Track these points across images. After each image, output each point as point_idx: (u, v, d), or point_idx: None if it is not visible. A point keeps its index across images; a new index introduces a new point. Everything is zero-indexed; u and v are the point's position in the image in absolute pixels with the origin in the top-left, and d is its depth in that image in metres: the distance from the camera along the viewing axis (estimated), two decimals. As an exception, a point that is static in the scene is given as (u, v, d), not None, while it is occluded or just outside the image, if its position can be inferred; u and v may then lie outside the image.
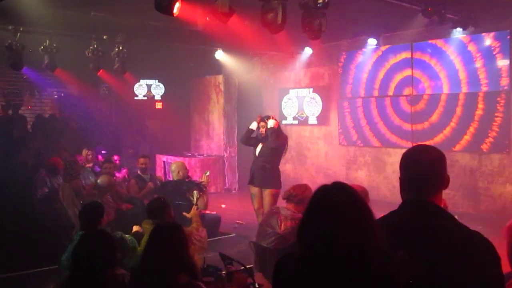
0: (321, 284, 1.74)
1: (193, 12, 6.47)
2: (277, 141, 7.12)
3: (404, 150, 2.37)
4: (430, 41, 9.63)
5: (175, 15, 5.13)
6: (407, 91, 10.04)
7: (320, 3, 5.85)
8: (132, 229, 5.16)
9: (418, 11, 7.62)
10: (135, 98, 14.20)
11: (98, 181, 7.18)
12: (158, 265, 3.09)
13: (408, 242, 2.02)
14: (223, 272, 4.04)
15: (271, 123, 7.22)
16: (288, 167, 12.60)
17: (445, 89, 9.44)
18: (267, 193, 7.08)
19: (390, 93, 10.37)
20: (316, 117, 11.85)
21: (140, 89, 14.27)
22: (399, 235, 2.06)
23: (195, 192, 6.95)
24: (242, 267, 4.20)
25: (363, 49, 10.80)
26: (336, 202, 1.82)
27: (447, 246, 2.03)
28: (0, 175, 8.69)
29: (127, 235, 4.81)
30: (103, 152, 10.70)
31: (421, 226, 2.12)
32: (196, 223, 5.45)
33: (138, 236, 4.94)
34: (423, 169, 2.22)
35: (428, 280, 1.92)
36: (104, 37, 9.03)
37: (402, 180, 2.30)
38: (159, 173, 11.88)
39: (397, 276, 1.74)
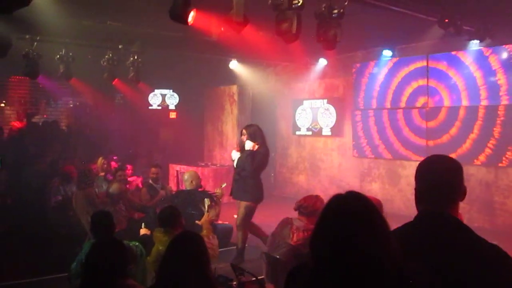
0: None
1: (207, 22, 6.48)
2: (252, 165, 6.78)
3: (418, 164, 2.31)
4: (446, 53, 9.53)
5: (189, 24, 5.13)
6: (422, 103, 9.94)
7: (335, 13, 5.83)
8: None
9: (434, 22, 7.55)
10: (150, 107, 14.29)
11: (110, 189, 7.19)
12: (180, 275, 2.96)
13: (423, 253, 1.97)
14: (234, 283, 4.00)
15: (248, 145, 6.84)
16: (301, 178, 12.57)
17: (464, 102, 9.31)
18: (241, 204, 6.88)
19: (405, 105, 10.27)
20: (330, 128, 11.80)
21: (155, 99, 14.36)
22: (414, 246, 2.01)
23: (206, 200, 6.94)
24: (254, 278, 4.16)
25: (378, 61, 10.74)
26: (350, 212, 1.78)
27: (464, 258, 1.98)
28: (17, 182, 8.76)
29: (133, 242, 4.78)
30: (115, 158, 10.73)
31: (437, 237, 2.07)
32: (207, 230, 5.42)
33: (145, 239, 4.91)
34: (440, 180, 2.17)
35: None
36: (120, 46, 9.11)
37: (417, 191, 2.25)
38: (172, 182, 11.87)
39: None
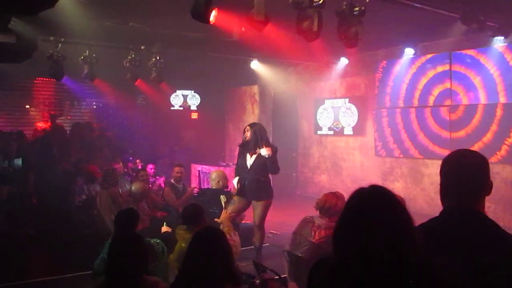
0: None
1: (228, 22, 6.50)
2: (276, 168, 6.85)
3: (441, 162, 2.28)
4: (468, 51, 9.41)
5: (211, 23, 5.16)
6: (445, 101, 9.82)
7: (357, 10, 5.80)
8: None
9: (457, 19, 7.45)
10: (171, 108, 14.39)
11: (132, 188, 7.26)
12: (204, 271, 2.92)
13: (449, 248, 1.96)
14: (257, 280, 4.00)
15: (263, 152, 6.71)
16: (323, 178, 12.52)
17: (483, 100, 9.20)
18: (259, 204, 6.83)
19: (429, 103, 10.16)
20: (352, 127, 11.73)
21: (176, 100, 14.46)
22: (440, 241, 2.00)
23: (222, 196, 6.96)
24: (276, 276, 4.16)
25: (400, 59, 10.64)
26: (373, 205, 1.78)
27: (491, 253, 1.96)
28: (42, 182, 8.89)
29: (154, 239, 4.82)
30: (130, 158, 10.84)
31: (463, 233, 2.05)
32: (228, 228, 5.42)
33: (167, 237, 4.94)
34: (465, 174, 2.15)
35: (470, 286, 1.85)
36: (142, 47, 9.19)
37: (442, 186, 2.23)
38: (194, 182, 11.95)
39: (436, 282, 1.67)
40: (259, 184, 6.80)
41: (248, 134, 6.91)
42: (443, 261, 1.76)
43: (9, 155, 9.56)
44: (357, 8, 5.82)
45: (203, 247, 3.04)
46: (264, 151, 6.65)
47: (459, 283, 1.76)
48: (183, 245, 4.54)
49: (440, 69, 9.88)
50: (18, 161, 8.41)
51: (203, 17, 5.09)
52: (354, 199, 1.86)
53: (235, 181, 7.06)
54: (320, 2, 5.33)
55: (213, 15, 5.16)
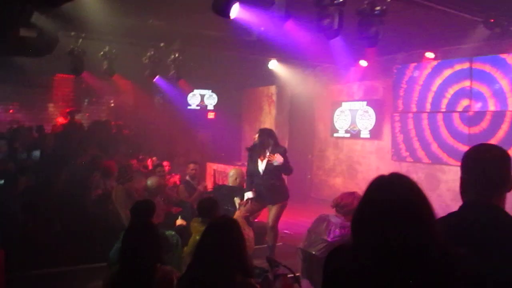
0: (374, 275, 1.67)
1: (248, 18, 6.48)
2: (289, 169, 6.89)
3: (458, 168, 2.25)
4: (492, 55, 9.27)
5: (231, 18, 5.17)
6: (465, 106, 9.70)
7: (378, 10, 5.77)
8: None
9: (479, 23, 7.37)
10: (188, 107, 14.44)
11: (148, 182, 7.30)
12: (217, 260, 2.93)
13: (468, 241, 1.93)
14: (270, 275, 4.00)
15: (275, 162, 6.69)
16: (338, 181, 12.46)
17: (510, 106, 9.04)
18: (275, 206, 6.88)
19: (447, 108, 10.04)
20: (369, 131, 11.66)
21: (194, 99, 14.52)
22: (459, 235, 1.97)
23: (236, 198, 6.99)
24: (290, 273, 4.15)
25: (420, 63, 10.56)
26: (393, 193, 1.77)
27: (508, 247, 1.93)
28: (59, 177, 8.99)
29: (169, 231, 4.83)
30: (140, 157, 10.91)
31: (483, 228, 2.03)
32: (242, 224, 5.41)
33: (181, 230, 4.95)
34: (487, 169, 2.13)
35: (491, 279, 1.83)
36: (161, 44, 9.24)
37: (463, 180, 2.21)
38: (209, 181, 11.97)
39: (456, 271, 1.65)
40: (274, 189, 6.83)
41: (256, 138, 7.04)
42: (464, 252, 1.74)
43: (29, 147, 9.68)
44: (378, 8, 5.80)
45: (217, 236, 3.04)
46: (276, 161, 6.66)
47: (478, 274, 1.73)
48: (197, 237, 4.53)
49: (460, 73, 9.75)
50: (37, 153, 8.51)
51: (224, 12, 5.11)
52: (375, 186, 1.84)
53: (248, 194, 7.03)
54: (341, 0, 5.31)
55: (234, 10, 5.17)
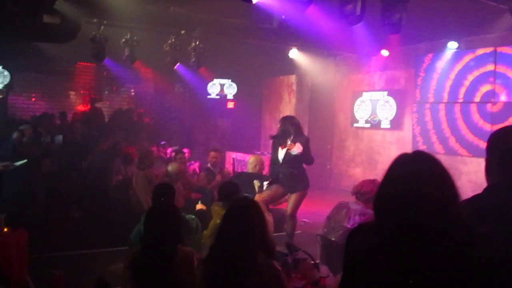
0: (396, 253, 1.66)
1: (270, 4, 6.45)
2: (309, 159, 6.83)
3: (482, 160, 2.23)
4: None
5: (253, 3, 5.15)
6: (488, 97, 9.54)
7: (401, -5, 5.70)
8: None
9: (505, 11, 7.23)
10: (208, 96, 14.47)
11: (168, 168, 7.35)
12: (239, 240, 2.94)
13: (492, 221, 1.90)
14: (289, 259, 4.00)
15: (294, 152, 6.64)
16: (357, 171, 12.40)
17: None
18: (294, 194, 6.82)
19: (471, 99, 9.88)
20: (390, 121, 11.56)
21: (213, 88, 14.54)
22: (483, 215, 1.94)
23: (255, 181, 6.97)
24: (309, 258, 4.15)
25: (443, 53, 10.39)
26: (416, 170, 1.75)
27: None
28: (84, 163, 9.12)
29: (189, 215, 4.86)
30: (162, 143, 10.96)
31: (506, 208, 2.00)
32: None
33: (201, 215, 4.97)
34: (509, 150, 2.09)
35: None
36: (182, 32, 9.25)
37: (489, 162, 2.18)
38: (228, 169, 12.00)
39: (479, 249, 1.63)
40: (293, 177, 6.77)
41: (279, 127, 6.97)
42: (487, 231, 1.71)
43: (52, 131, 9.81)
44: (401, -7, 5.72)
45: (239, 216, 3.05)
46: (295, 151, 6.62)
47: (501, 254, 1.71)
48: (218, 221, 4.56)
49: (484, 64, 9.57)
50: (59, 137, 8.63)
51: (246, -4, 5.09)
52: (398, 164, 1.82)
53: (264, 184, 7.06)
54: (364, -15, 5.26)
55: (256, -5, 5.15)
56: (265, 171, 8.26)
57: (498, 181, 2.12)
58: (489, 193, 2.13)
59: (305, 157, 6.72)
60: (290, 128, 6.80)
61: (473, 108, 9.78)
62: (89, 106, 12.92)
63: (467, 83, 9.90)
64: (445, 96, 10.34)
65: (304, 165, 6.98)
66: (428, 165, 1.77)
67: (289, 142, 6.67)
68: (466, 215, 1.72)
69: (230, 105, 14.79)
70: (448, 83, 10.33)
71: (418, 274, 1.59)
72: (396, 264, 1.63)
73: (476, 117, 9.73)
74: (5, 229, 5.05)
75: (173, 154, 9.72)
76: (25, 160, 5.51)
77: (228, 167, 12.35)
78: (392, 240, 1.68)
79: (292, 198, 6.82)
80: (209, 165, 8.70)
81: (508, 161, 2.10)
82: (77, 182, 8.35)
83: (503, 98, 9.23)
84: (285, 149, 6.76)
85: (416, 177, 1.72)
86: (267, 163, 11.87)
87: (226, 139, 14.03)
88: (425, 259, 1.59)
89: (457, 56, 10.12)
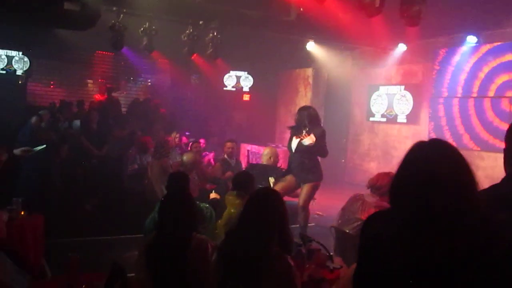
0: (413, 239, 1.66)
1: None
2: (326, 152, 6.77)
3: (500, 155, 2.21)
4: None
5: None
6: (509, 92, 9.43)
7: (421, -12, 5.64)
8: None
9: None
10: (224, 88, 14.49)
11: (184, 157, 7.38)
12: (258, 229, 2.91)
13: (508, 210, 1.89)
14: (303, 249, 4.01)
15: (306, 142, 6.58)
16: (372, 165, 12.34)
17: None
18: (306, 185, 6.75)
19: (490, 94, 9.77)
20: (406, 115, 11.49)
21: (230, 80, 14.55)
22: (501, 203, 1.93)
23: (270, 178, 6.99)
24: (323, 249, 4.15)
25: (461, 47, 10.29)
26: (433, 157, 1.74)
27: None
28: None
29: (203, 204, 4.88)
30: (187, 133, 10.99)
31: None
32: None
33: (215, 204, 4.99)
34: None
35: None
36: (200, 22, 9.26)
37: (507, 152, 2.17)
38: (243, 161, 12.02)
39: (496, 236, 1.62)
40: (303, 167, 6.72)
41: (296, 117, 6.92)
42: (505, 217, 1.71)
43: (70, 117, 9.90)
44: (421, -14, 5.66)
45: (260, 203, 3.04)
46: (307, 141, 6.55)
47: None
48: (232, 210, 4.59)
49: (503, 58, 9.46)
50: (77, 123, 8.71)
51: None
52: (415, 151, 1.82)
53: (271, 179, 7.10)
54: (384, -23, 5.22)
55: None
56: (280, 164, 8.26)
57: None
58: (506, 182, 2.12)
59: (319, 149, 6.67)
60: (305, 118, 6.77)
61: (487, 104, 9.68)
62: (105, 95, 13.01)
63: (482, 75, 9.79)
64: (459, 90, 10.23)
65: (319, 158, 6.96)
66: (444, 150, 1.78)
67: (304, 133, 6.63)
68: (485, 202, 1.71)
69: (246, 97, 14.81)
70: (463, 77, 10.22)
71: (436, 260, 1.59)
72: (412, 251, 1.63)
73: (490, 114, 9.63)
74: (22, 213, 5.12)
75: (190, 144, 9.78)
76: (44, 146, 5.57)
77: (243, 159, 12.38)
78: (408, 226, 1.68)
79: (304, 189, 6.79)
80: (225, 155, 8.72)
81: None
82: (94, 170, 8.43)
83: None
84: (298, 140, 6.73)
85: (432, 161, 1.72)
86: (282, 155, 11.89)
87: (241, 131, 14.03)
88: (443, 244, 1.59)
89: (474, 50, 10.00)
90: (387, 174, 4.89)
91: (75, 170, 7.52)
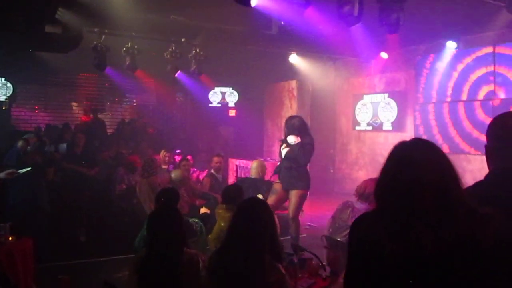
0: (400, 236, 1.67)
1: (269, 7, 6.48)
2: (304, 157, 6.75)
3: (484, 157, 2.25)
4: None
5: (252, 6, 5.19)
6: (488, 95, 9.55)
7: (398, -4, 5.74)
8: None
9: (502, 7, 7.24)
10: (210, 105, 14.51)
11: (172, 175, 7.37)
12: (249, 240, 2.92)
13: (497, 203, 1.91)
14: (295, 258, 4.00)
15: (291, 139, 6.78)
16: (361, 174, 12.38)
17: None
18: (293, 193, 6.80)
19: (470, 97, 9.90)
20: (391, 123, 11.58)
21: (215, 97, 14.57)
22: (487, 198, 1.95)
23: (258, 195, 7.02)
24: (315, 258, 4.15)
25: (442, 53, 10.43)
26: (416, 156, 1.77)
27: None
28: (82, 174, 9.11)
29: (193, 218, 4.86)
30: (177, 151, 10.97)
31: (507, 192, 2.01)
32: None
33: (205, 218, 4.98)
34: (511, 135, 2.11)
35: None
36: (182, 40, 9.31)
37: (490, 148, 2.20)
38: (231, 176, 12.01)
39: (482, 230, 1.64)
40: (291, 173, 6.78)
41: (284, 129, 7.04)
42: (490, 211, 1.72)
43: (56, 141, 9.83)
44: (398, -6, 5.76)
45: (249, 215, 3.05)
46: (292, 138, 6.70)
47: (506, 233, 1.72)
48: (222, 224, 4.57)
49: (482, 63, 9.60)
50: (63, 146, 8.66)
51: (245, 0, 5.13)
52: (398, 151, 1.84)
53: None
54: (361, -13, 5.30)
55: (254, -2, 5.20)
56: (267, 177, 8.29)
57: (501, 165, 2.14)
58: (493, 177, 2.14)
59: (300, 151, 6.72)
60: (293, 126, 6.86)
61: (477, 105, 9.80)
62: (91, 116, 12.96)
63: (468, 83, 9.93)
64: (445, 95, 10.35)
65: (308, 167, 7.00)
66: (426, 148, 1.80)
67: (293, 140, 6.72)
68: (469, 198, 1.73)
69: (232, 113, 14.83)
70: (443, 82, 10.37)
71: (424, 253, 1.60)
72: (401, 248, 1.65)
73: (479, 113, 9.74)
74: (10, 238, 5.06)
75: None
76: (29, 168, 5.52)
77: (232, 174, 12.37)
78: (395, 223, 1.69)
79: (292, 199, 6.82)
80: (212, 170, 8.72)
81: (508, 146, 2.12)
82: (82, 192, 8.36)
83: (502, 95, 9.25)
84: (286, 149, 6.81)
85: (415, 159, 1.74)
86: (269, 168, 11.89)
87: (228, 147, 14.04)
88: (430, 237, 1.60)
89: (457, 56, 10.14)
90: (373, 180, 4.87)
91: (64, 192, 7.44)
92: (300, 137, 6.74)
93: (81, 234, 7.14)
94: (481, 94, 9.68)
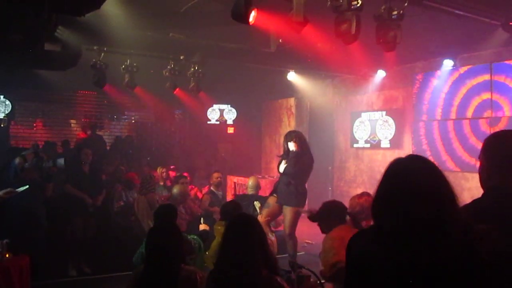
0: (397, 254, 1.67)
1: (267, 29, 6.55)
2: (295, 167, 6.83)
3: None
4: (510, 61, 9.18)
5: (250, 24, 5.24)
6: (486, 113, 9.60)
7: (395, 14, 5.79)
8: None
9: (498, 26, 7.32)
10: (208, 122, 14.56)
11: (174, 189, 7.37)
12: (242, 255, 2.94)
13: (494, 221, 1.92)
14: (293, 275, 3.98)
15: (291, 146, 6.92)
16: (359, 191, 12.27)
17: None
18: (287, 210, 6.86)
19: (468, 115, 9.95)
20: (389, 140, 11.60)
21: (213, 114, 14.63)
22: (485, 216, 1.96)
23: (256, 202, 7.01)
24: (313, 276, 4.13)
25: (439, 71, 10.50)
26: (412, 171, 1.78)
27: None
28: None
29: (191, 235, 4.85)
30: (171, 167, 10.97)
31: (504, 210, 2.02)
32: (265, 230, 5.41)
33: (204, 235, 4.97)
34: (509, 154, 2.13)
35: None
36: (181, 57, 9.36)
37: (485, 168, 2.21)
38: (230, 193, 11.99)
39: (478, 246, 1.64)
40: (288, 188, 6.83)
41: (283, 144, 7.13)
42: (486, 228, 1.73)
43: (54, 156, 9.81)
44: (395, 12, 5.81)
45: (238, 231, 3.07)
46: (292, 145, 6.84)
47: (501, 250, 1.72)
48: (220, 240, 4.54)
49: (480, 80, 9.66)
50: (61, 161, 8.64)
51: (243, 18, 5.18)
52: (394, 167, 1.85)
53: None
54: (358, 5, 5.35)
55: (252, 16, 5.24)
56: (264, 193, 8.33)
57: (498, 184, 2.14)
58: (490, 195, 2.15)
59: (292, 161, 6.82)
60: (284, 143, 7.03)
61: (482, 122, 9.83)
62: (89, 133, 12.97)
63: (458, 99, 9.98)
64: (443, 112, 10.40)
65: (306, 185, 7.02)
66: (422, 164, 1.82)
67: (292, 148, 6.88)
68: (466, 215, 1.74)
69: (230, 130, 14.88)
70: (442, 100, 10.41)
71: (419, 273, 1.61)
72: (397, 263, 1.65)
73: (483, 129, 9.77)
74: (7, 255, 5.04)
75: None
76: (27, 186, 5.51)
77: (229, 191, 12.36)
78: (391, 240, 1.70)
79: (287, 215, 6.86)
80: (212, 187, 8.72)
81: (506, 164, 2.13)
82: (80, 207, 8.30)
83: (503, 113, 9.28)
84: (285, 165, 6.92)
85: (411, 174, 1.76)
86: (268, 185, 11.89)
87: (226, 163, 14.05)
88: (425, 256, 1.61)
89: (455, 74, 10.21)
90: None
91: (61, 209, 7.38)
92: (298, 147, 6.81)
93: (86, 266, 7.11)
94: (481, 111, 9.72)
